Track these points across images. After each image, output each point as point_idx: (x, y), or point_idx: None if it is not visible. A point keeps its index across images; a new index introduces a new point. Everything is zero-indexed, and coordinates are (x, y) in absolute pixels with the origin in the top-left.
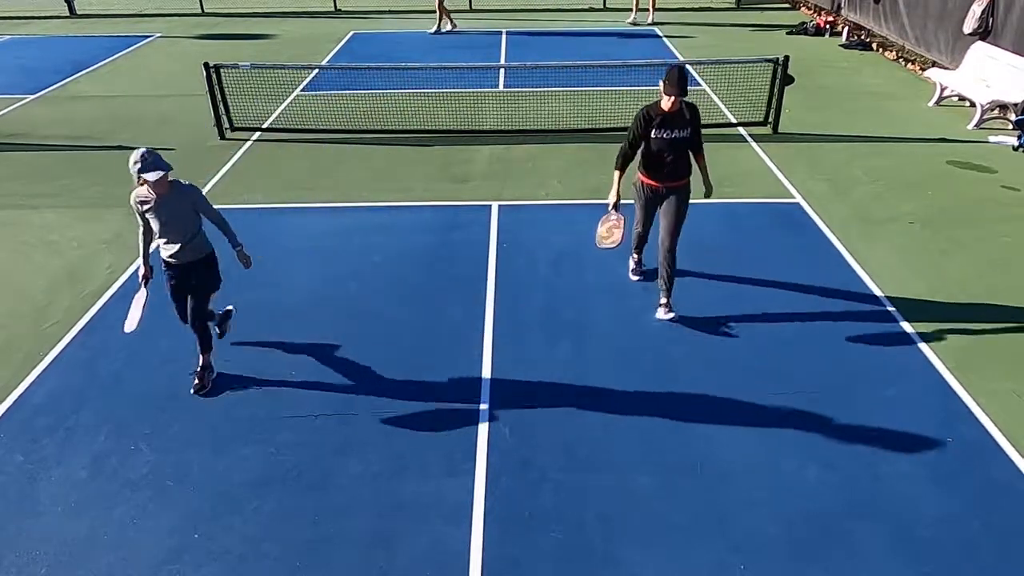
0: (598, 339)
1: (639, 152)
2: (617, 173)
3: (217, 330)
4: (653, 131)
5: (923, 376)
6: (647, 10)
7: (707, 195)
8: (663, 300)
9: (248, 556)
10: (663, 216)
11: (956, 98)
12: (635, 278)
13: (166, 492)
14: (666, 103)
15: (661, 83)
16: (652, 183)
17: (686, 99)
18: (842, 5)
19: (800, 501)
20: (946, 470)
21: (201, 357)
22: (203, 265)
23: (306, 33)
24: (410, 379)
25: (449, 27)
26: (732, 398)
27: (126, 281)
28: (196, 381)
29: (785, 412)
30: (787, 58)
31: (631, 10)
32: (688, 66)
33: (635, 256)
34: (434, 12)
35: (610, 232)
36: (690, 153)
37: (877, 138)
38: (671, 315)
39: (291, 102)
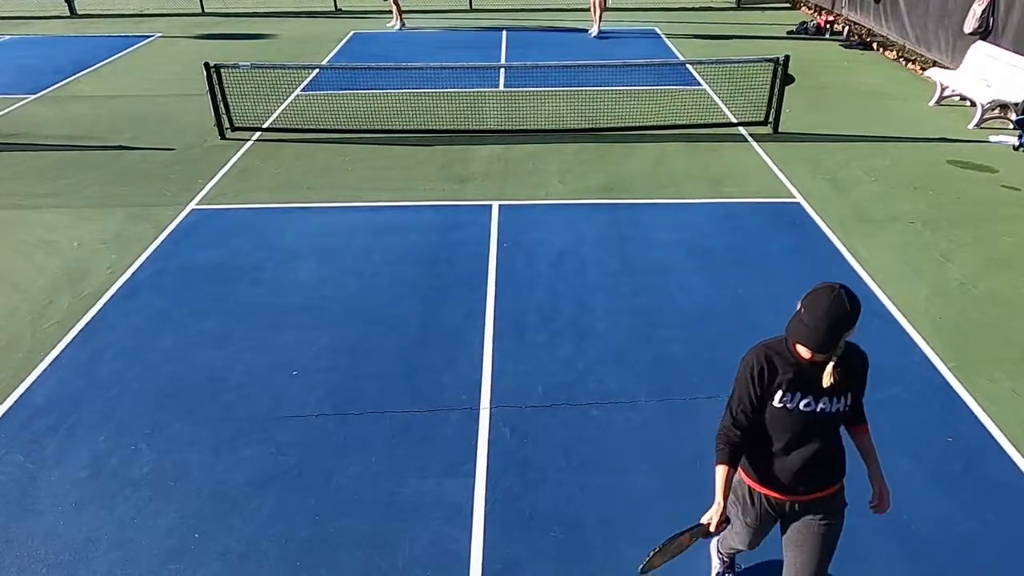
0: (598, 339)
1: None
2: (723, 469)
3: None
4: (778, 396)
5: (923, 376)
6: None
7: (878, 506)
8: None
9: (248, 556)
10: (792, 548)
11: (957, 98)
12: None
13: (166, 492)
14: (806, 349)
15: (799, 310)
16: (771, 493)
17: (844, 342)
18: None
19: None
20: (946, 470)
21: None
22: None
23: (306, 33)
24: (410, 379)
25: (399, 25)
26: None
27: (126, 281)
28: None
29: None
30: (787, 58)
31: (593, 21)
32: (692, 66)
33: (722, 557)
34: (432, 12)
35: (665, 554)
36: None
37: (877, 138)
38: None
39: (291, 102)
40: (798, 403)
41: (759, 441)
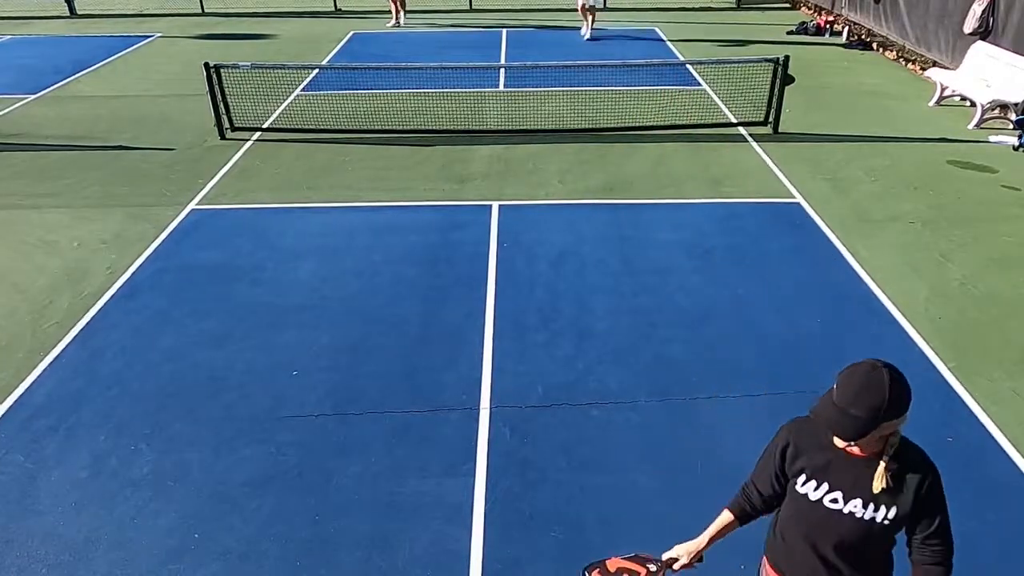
0: (598, 339)
1: (775, 506)
2: (725, 513)
3: None
4: (800, 480)
5: (923, 376)
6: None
7: None
8: None
9: (248, 556)
10: None
11: (957, 98)
12: None
13: (166, 492)
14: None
15: (833, 386)
16: None
17: (896, 437)
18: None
19: None
20: (946, 470)
21: None
22: None
23: (306, 33)
24: (410, 379)
25: (393, 23)
26: (732, 398)
27: (126, 281)
28: None
29: (785, 412)
30: (787, 58)
31: (584, 24)
32: (692, 66)
33: None
34: (432, 12)
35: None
36: (882, 549)
37: (877, 138)
38: None
39: (291, 102)
40: (823, 496)
41: (783, 530)
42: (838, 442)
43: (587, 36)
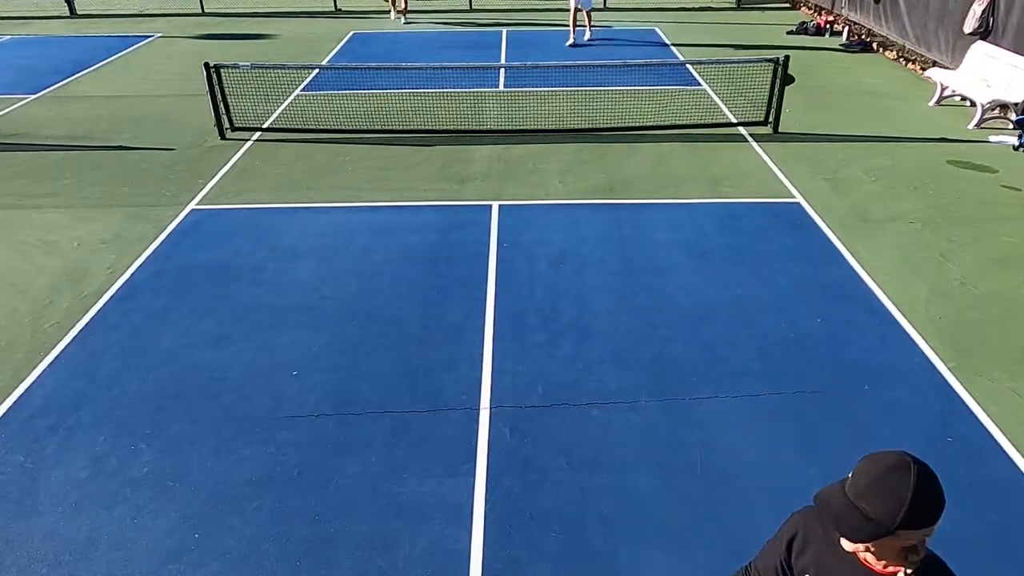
0: (598, 339)
1: None
2: None
3: None
4: None
5: (923, 376)
6: (584, 27)
7: None
8: None
9: (248, 556)
10: None
11: (957, 98)
12: None
13: (166, 492)
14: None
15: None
16: None
17: (916, 555)
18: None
19: (800, 501)
20: (946, 470)
21: None
22: None
23: (306, 33)
24: (410, 379)
25: (395, 17)
26: (732, 398)
27: (126, 281)
28: None
29: (785, 412)
30: (787, 58)
31: (578, 26)
32: (692, 66)
33: None
34: (432, 12)
35: None
36: None
37: (877, 138)
38: None
39: (291, 102)
40: None
41: None
42: (846, 545)
43: (586, 37)
